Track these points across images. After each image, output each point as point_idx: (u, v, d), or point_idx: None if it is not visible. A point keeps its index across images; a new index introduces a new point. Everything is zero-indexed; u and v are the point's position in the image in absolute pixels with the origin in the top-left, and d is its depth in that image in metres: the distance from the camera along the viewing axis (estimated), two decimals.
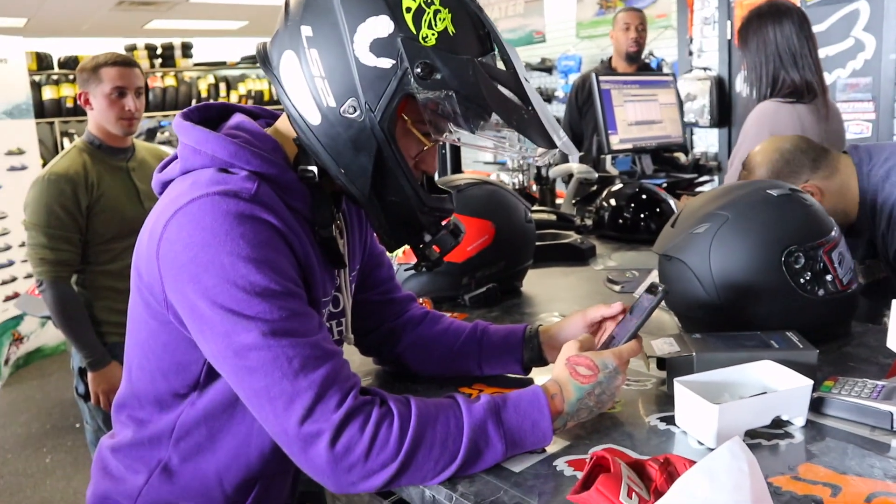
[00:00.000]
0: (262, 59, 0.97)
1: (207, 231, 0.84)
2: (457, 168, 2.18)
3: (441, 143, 1.00)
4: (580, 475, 0.87)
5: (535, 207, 2.57)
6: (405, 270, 1.58)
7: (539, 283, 1.79)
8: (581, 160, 2.89)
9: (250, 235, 0.85)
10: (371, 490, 0.87)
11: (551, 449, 0.94)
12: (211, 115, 1.03)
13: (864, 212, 1.59)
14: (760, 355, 1.05)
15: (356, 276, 1.18)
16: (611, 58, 3.88)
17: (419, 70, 0.88)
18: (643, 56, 3.88)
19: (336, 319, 1.11)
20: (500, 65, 0.95)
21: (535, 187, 2.95)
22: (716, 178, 3.75)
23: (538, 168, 2.77)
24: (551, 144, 0.92)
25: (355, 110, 0.90)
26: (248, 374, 0.85)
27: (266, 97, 8.34)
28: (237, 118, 1.01)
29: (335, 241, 1.00)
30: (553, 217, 2.44)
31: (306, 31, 0.91)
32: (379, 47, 0.88)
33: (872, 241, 1.63)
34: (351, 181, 0.94)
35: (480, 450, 0.89)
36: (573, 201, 2.78)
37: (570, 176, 2.81)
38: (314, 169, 0.96)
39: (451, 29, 0.90)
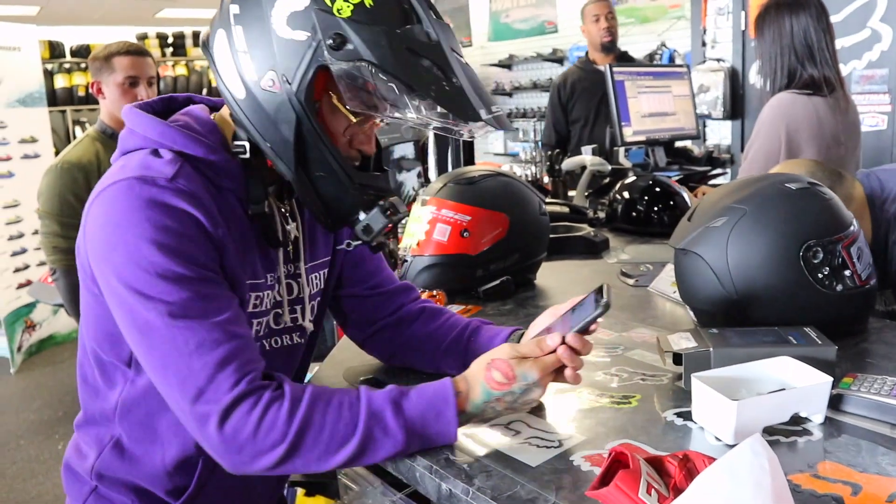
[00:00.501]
0: (203, 42, 1.00)
1: (119, 214, 0.90)
2: (469, 160, 2.17)
3: (374, 120, 0.99)
4: (598, 470, 0.86)
5: (548, 200, 2.56)
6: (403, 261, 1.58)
7: (553, 276, 1.78)
8: (594, 153, 2.87)
9: (157, 219, 0.89)
10: (263, 471, 0.89)
11: (568, 444, 0.94)
12: (174, 107, 1.06)
13: (877, 242, 1.57)
14: (778, 351, 1.04)
15: (328, 268, 1.18)
16: (587, 52, 3.87)
17: (331, 41, 0.89)
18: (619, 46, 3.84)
19: (291, 307, 1.10)
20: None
21: (546, 179, 2.93)
22: (729, 170, 3.72)
23: (551, 160, 2.75)
24: (473, 117, 0.90)
25: (274, 83, 0.92)
26: (150, 351, 0.90)
27: None
28: (190, 107, 1.05)
29: (268, 218, 1.01)
30: (566, 209, 2.43)
31: (234, 8, 0.94)
32: (295, 20, 0.90)
33: (885, 270, 1.59)
34: (277, 156, 0.95)
35: (376, 437, 0.90)
36: (585, 194, 2.76)
37: (583, 168, 2.80)
38: (244, 144, 0.98)
39: (367, 1, 0.90)
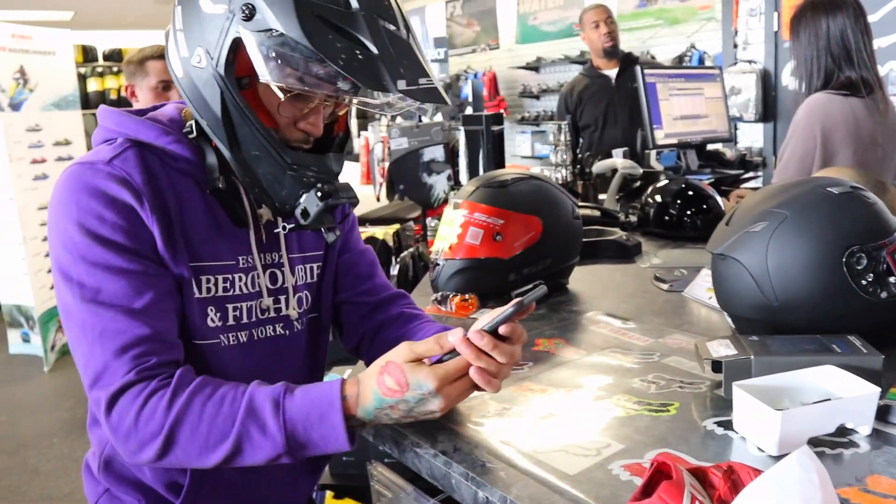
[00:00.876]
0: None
1: (55, 198, 0.95)
2: (500, 163, 2.16)
3: (312, 98, 0.96)
4: (638, 480, 0.85)
5: (579, 203, 2.54)
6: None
7: (585, 280, 1.77)
8: (625, 156, 2.85)
9: (84, 202, 0.92)
10: (151, 462, 0.90)
11: (606, 452, 0.92)
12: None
13: None
14: (822, 360, 1.01)
15: (322, 262, 1.18)
16: (590, 59, 3.88)
17: (242, 12, 0.88)
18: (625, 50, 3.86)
19: (274, 296, 1.09)
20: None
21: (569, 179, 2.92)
22: (761, 173, 3.67)
23: (581, 163, 2.73)
24: (382, 88, 0.87)
25: (201, 59, 0.93)
26: (67, 333, 0.94)
27: None
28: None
29: (226, 196, 1.01)
30: (597, 213, 2.40)
31: None
32: None
33: None
34: (213, 132, 0.96)
35: (253, 436, 0.88)
36: (616, 197, 2.73)
37: (614, 171, 2.77)
38: (191, 123, 1.00)
39: None
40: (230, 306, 1.04)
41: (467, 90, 8.63)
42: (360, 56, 0.86)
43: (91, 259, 0.91)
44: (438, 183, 2.41)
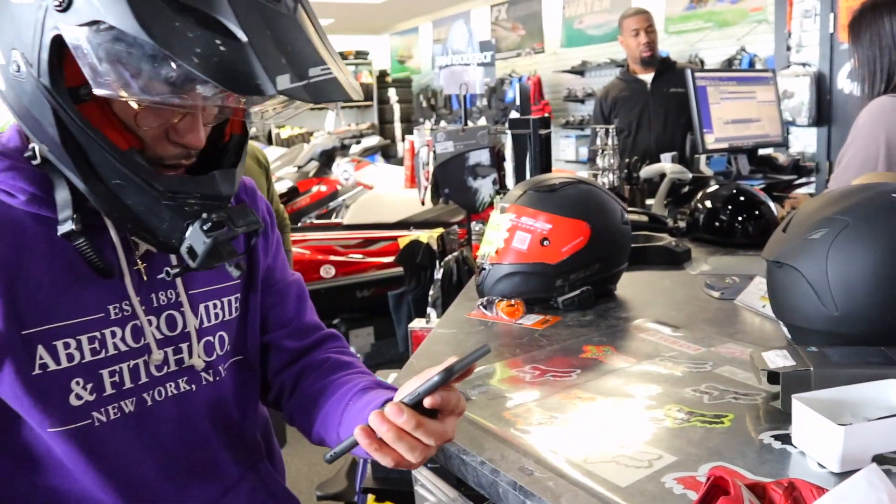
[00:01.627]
0: None
1: None
2: (547, 167, 2.14)
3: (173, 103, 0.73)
4: (692, 495, 0.82)
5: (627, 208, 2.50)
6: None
7: (633, 287, 1.73)
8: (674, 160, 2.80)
9: None
10: None
11: (658, 464, 0.90)
12: None
13: None
14: (887, 373, 0.97)
15: (242, 293, 0.98)
16: (627, 63, 3.83)
17: (57, 1, 0.66)
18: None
19: (174, 345, 0.90)
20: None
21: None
22: (814, 179, 3.57)
23: (628, 168, 2.69)
24: (252, 90, 0.65)
25: (19, 68, 0.71)
26: None
27: None
28: None
29: (83, 244, 0.79)
30: (644, 218, 2.36)
31: None
32: None
33: None
34: (58, 160, 0.74)
35: None
36: (664, 202, 2.69)
37: (662, 176, 2.72)
38: (34, 147, 0.78)
39: None
40: (105, 372, 0.83)
41: (511, 94, 8.62)
42: (221, 47, 0.65)
43: None
44: (484, 187, 2.39)
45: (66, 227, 0.78)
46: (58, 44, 0.69)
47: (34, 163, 0.78)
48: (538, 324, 1.46)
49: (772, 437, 0.96)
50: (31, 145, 0.79)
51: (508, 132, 2.10)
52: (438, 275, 2.41)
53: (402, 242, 2.89)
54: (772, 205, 2.23)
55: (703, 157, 2.80)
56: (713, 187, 2.37)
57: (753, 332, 1.42)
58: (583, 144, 7.93)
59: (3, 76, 0.74)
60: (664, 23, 6.62)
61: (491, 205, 2.52)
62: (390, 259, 3.63)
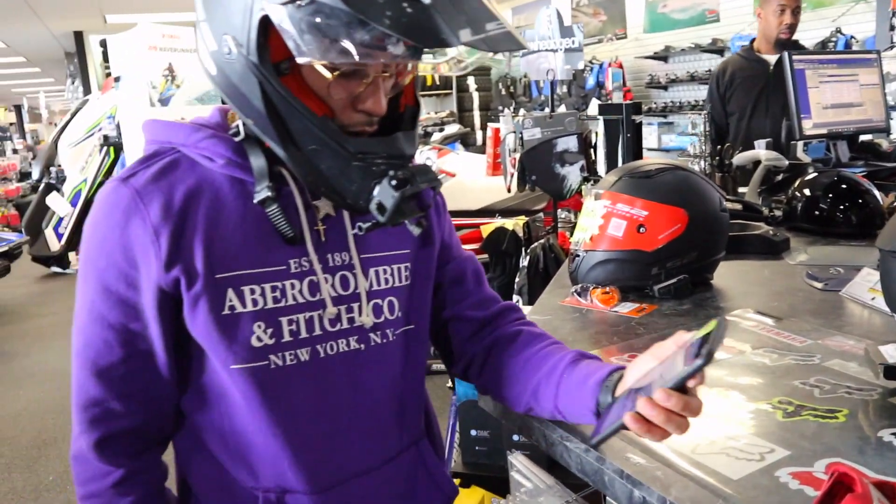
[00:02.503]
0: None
1: (92, 213, 0.90)
2: (638, 153, 2.10)
3: (365, 72, 0.83)
4: (809, 491, 0.80)
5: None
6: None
7: (730, 276, 1.68)
8: (770, 146, 2.69)
9: (102, 221, 0.87)
10: None
11: (770, 458, 0.87)
12: None
13: None
14: None
15: (412, 262, 1.02)
16: (753, 40, 3.53)
17: None
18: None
19: (346, 304, 0.95)
20: None
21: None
22: None
23: (720, 154, 2.61)
24: (440, 42, 0.72)
25: (230, 50, 0.80)
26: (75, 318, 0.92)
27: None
28: None
29: (271, 208, 0.88)
30: (738, 206, 2.28)
31: None
32: None
33: None
34: (262, 131, 0.83)
35: None
36: (759, 190, 2.59)
37: (756, 163, 2.63)
38: (238, 124, 0.88)
39: None
40: (284, 319, 0.90)
41: (592, 81, 8.48)
42: (408, 9, 0.72)
43: (97, 281, 0.88)
44: (571, 174, 2.36)
45: (262, 195, 0.87)
46: (264, 24, 0.77)
47: (236, 139, 0.89)
48: (634, 312, 1.44)
49: (892, 434, 0.92)
50: (234, 124, 0.90)
51: (600, 118, 2.06)
52: (524, 262, 2.40)
53: (486, 230, 2.88)
54: (876, 193, 2.12)
55: (800, 144, 2.68)
56: (812, 175, 2.28)
57: (862, 325, 1.36)
58: (665, 132, 7.74)
59: (214, 61, 0.83)
60: (753, 5, 6.39)
61: (578, 192, 2.49)
62: (473, 246, 3.63)
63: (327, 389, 0.94)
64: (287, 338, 0.90)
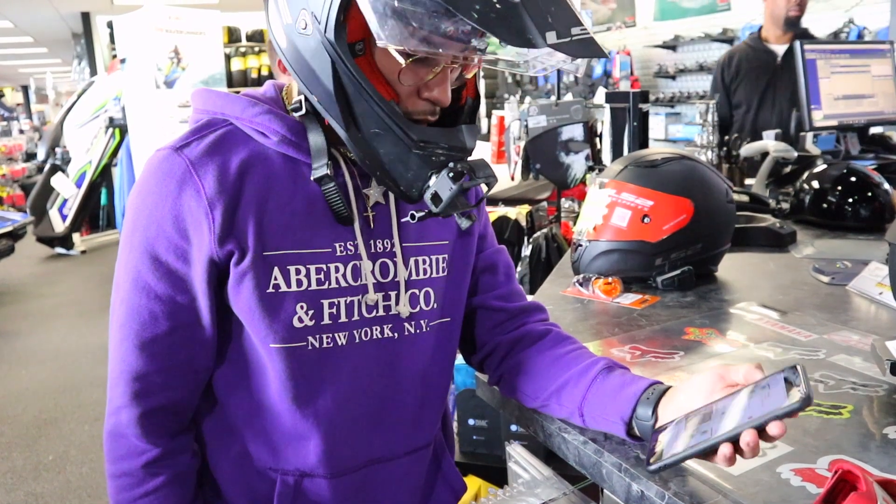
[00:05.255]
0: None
1: (139, 181, 0.88)
2: (644, 143, 2.07)
3: (437, 61, 0.82)
4: (811, 487, 0.78)
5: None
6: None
7: (735, 269, 1.66)
8: (778, 138, 2.66)
9: (154, 190, 0.85)
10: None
11: (772, 453, 0.85)
12: None
13: None
14: None
15: (451, 254, 1.01)
16: (760, 28, 3.41)
17: None
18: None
19: (384, 292, 0.94)
20: None
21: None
22: None
23: (727, 145, 2.58)
24: (524, 43, 0.71)
25: (307, 25, 0.79)
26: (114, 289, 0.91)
27: None
28: None
29: (328, 186, 0.87)
30: (745, 198, 2.26)
31: None
32: None
33: None
34: (326, 110, 0.82)
35: None
36: (766, 182, 2.56)
37: (764, 154, 2.60)
38: (300, 98, 0.87)
39: None
40: (325, 302, 0.90)
41: (599, 70, 8.41)
42: (497, 5, 0.71)
43: (145, 251, 0.86)
44: (576, 163, 2.34)
45: (320, 172, 0.86)
46: (345, 3, 0.76)
47: (296, 114, 0.88)
48: (636, 303, 1.42)
49: None
50: (296, 98, 0.88)
51: (606, 106, 2.03)
52: (526, 251, 2.38)
53: (489, 218, 2.85)
54: (887, 187, 2.10)
55: (809, 135, 2.65)
56: (821, 167, 2.25)
57: (869, 321, 1.34)
58: (672, 122, 7.68)
59: (286, 34, 0.82)
60: None
61: (583, 181, 2.47)
62: None
63: (359, 375, 0.94)
64: (326, 321, 0.90)
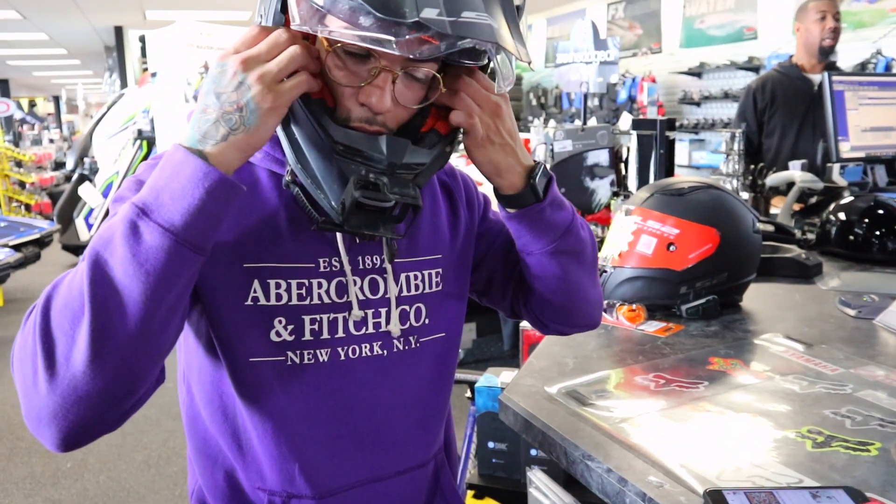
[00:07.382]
0: None
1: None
2: (670, 171, 2.07)
3: (369, 63, 0.78)
4: None
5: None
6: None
7: (760, 299, 1.65)
8: (803, 168, 2.65)
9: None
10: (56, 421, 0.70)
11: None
12: None
13: None
14: None
15: (443, 268, 0.98)
16: (791, 57, 3.36)
17: None
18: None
19: (373, 308, 0.91)
20: None
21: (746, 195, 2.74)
22: None
23: (753, 175, 2.57)
24: (388, 12, 0.67)
25: (261, 20, 0.80)
26: None
27: None
28: None
29: (302, 196, 0.84)
30: (770, 228, 2.25)
31: None
32: None
33: None
34: None
35: (105, 236, 0.70)
36: (791, 212, 2.55)
37: (790, 184, 2.59)
38: None
39: None
40: (307, 318, 0.87)
41: (624, 95, 8.43)
42: None
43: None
44: (601, 188, 2.34)
45: (287, 177, 0.84)
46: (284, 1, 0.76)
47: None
48: (660, 331, 1.42)
49: None
50: None
51: (633, 132, 2.04)
52: None
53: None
54: None
55: (836, 167, 2.64)
56: (848, 198, 2.24)
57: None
58: (696, 149, 7.67)
59: None
60: (792, 23, 6.31)
61: (607, 206, 2.47)
62: None
63: (344, 393, 0.91)
64: (307, 336, 0.88)
